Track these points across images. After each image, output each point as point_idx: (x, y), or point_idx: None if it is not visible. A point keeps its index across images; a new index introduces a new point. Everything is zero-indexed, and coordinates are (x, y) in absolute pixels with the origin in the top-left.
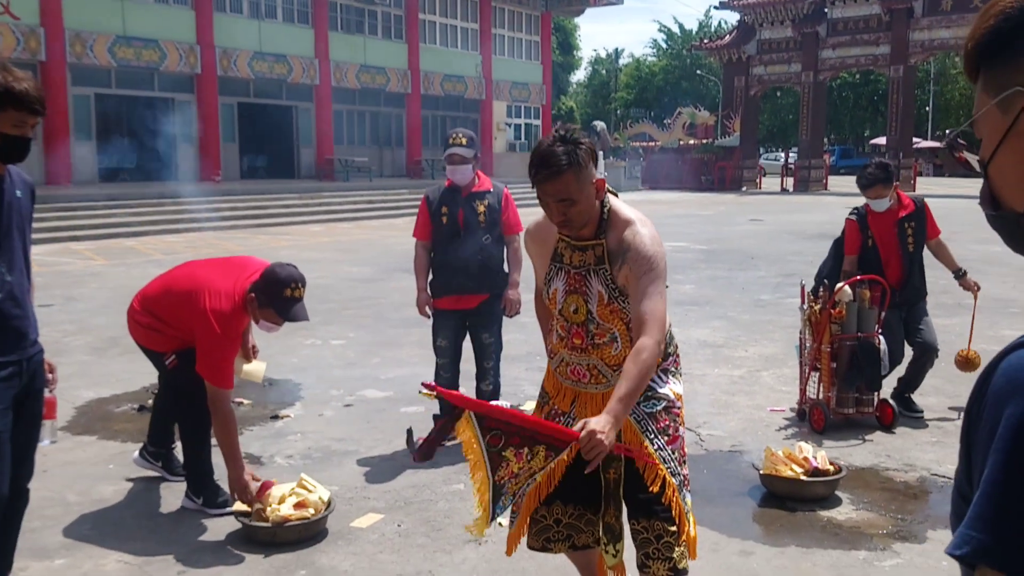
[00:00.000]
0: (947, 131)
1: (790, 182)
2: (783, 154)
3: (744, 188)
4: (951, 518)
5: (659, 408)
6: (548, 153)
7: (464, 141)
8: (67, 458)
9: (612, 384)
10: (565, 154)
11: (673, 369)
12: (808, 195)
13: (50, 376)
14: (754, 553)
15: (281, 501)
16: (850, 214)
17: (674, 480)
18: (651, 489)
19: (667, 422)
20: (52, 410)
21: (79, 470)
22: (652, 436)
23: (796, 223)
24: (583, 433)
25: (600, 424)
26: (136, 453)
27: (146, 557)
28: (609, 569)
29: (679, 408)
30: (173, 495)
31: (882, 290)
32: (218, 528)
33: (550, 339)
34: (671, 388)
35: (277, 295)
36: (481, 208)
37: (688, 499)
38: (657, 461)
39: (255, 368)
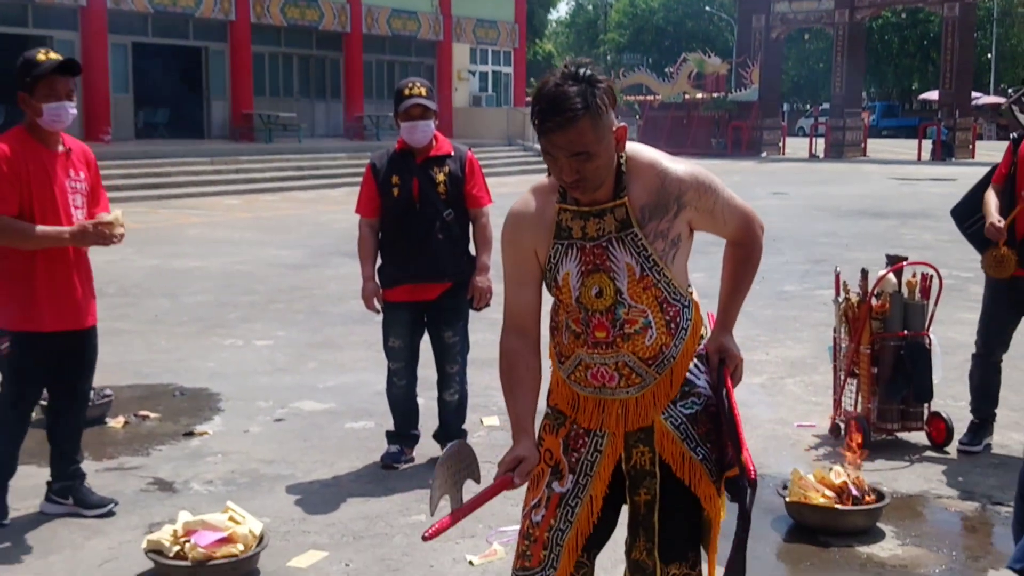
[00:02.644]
0: (1010, 90)
1: (820, 146)
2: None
3: (764, 153)
4: (1013, 526)
5: (698, 409)
6: (558, 95)
7: (424, 91)
8: None
9: (648, 384)
10: (580, 96)
11: None
12: (843, 162)
13: None
14: None
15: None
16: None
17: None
18: (706, 513)
19: (709, 427)
20: None
21: None
22: (694, 445)
23: (828, 197)
24: (732, 366)
25: (728, 343)
26: (43, 501)
27: None
28: None
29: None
30: (68, 529)
31: (932, 279)
32: (124, 568)
33: (558, 339)
34: (708, 380)
35: (32, 68)
36: (440, 177)
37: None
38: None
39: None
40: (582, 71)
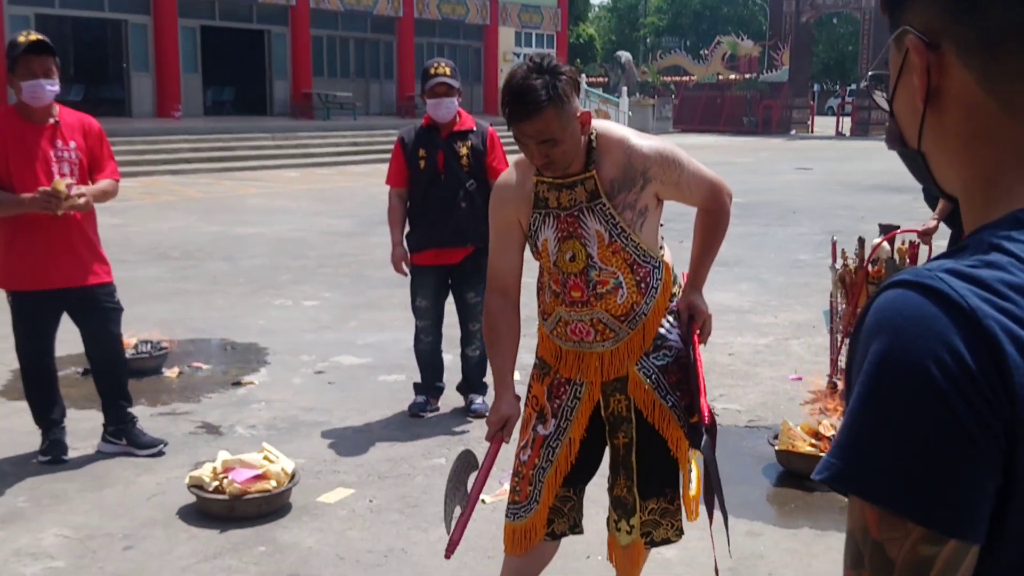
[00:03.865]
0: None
1: (847, 125)
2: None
3: (793, 131)
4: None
5: (669, 360)
6: (523, 88)
7: (448, 71)
8: (2, 425)
9: (622, 339)
10: (544, 88)
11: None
12: (868, 140)
13: None
14: (763, 535)
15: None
16: None
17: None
18: (673, 453)
19: (679, 376)
20: None
21: (14, 438)
22: (665, 393)
23: (850, 172)
24: (701, 321)
25: (697, 301)
26: (99, 441)
27: (88, 532)
28: (623, 549)
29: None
30: (121, 466)
31: (920, 246)
32: (170, 502)
33: (541, 298)
34: (680, 334)
35: (13, 49)
36: (463, 150)
37: (696, 460)
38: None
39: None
40: (546, 63)
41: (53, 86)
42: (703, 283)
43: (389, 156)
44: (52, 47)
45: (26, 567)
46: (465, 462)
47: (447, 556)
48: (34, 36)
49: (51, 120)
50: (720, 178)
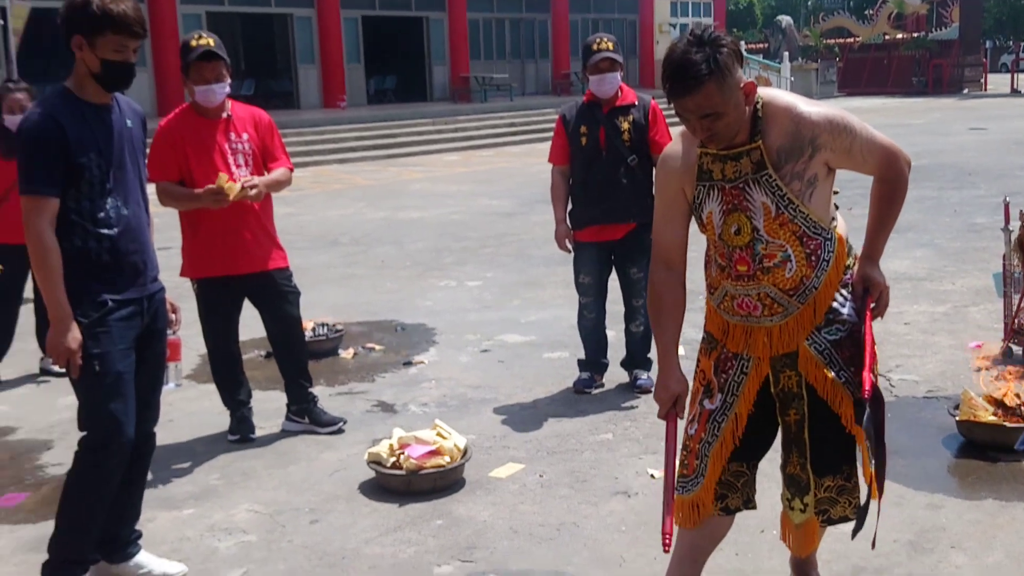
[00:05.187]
0: None
1: (1022, 81)
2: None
3: (965, 90)
4: None
5: (843, 335)
6: (684, 62)
7: (611, 46)
8: (192, 407)
9: (791, 313)
10: (704, 61)
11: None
12: None
13: (173, 317)
14: (944, 507)
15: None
16: None
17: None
18: (848, 430)
19: (853, 352)
20: (176, 352)
21: (205, 419)
22: (838, 369)
23: None
24: (876, 294)
25: (872, 273)
26: (284, 420)
27: (277, 507)
28: (796, 527)
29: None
30: (305, 444)
31: None
32: (351, 477)
33: (708, 271)
34: (854, 308)
35: (186, 54)
36: (625, 125)
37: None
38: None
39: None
40: (706, 35)
41: (224, 89)
42: (880, 255)
43: (545, 135)
44: (221, 54)
45: (220, 541)
46: None
47: (664, 550)
48: (204, 40)
49: (224, 115)
50: (895, 144)
